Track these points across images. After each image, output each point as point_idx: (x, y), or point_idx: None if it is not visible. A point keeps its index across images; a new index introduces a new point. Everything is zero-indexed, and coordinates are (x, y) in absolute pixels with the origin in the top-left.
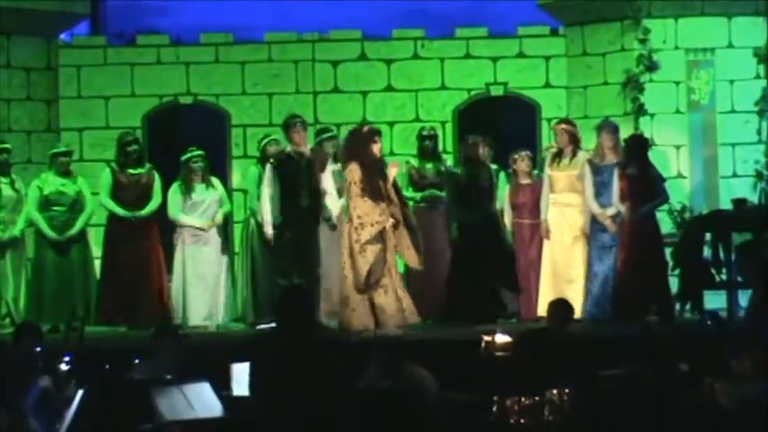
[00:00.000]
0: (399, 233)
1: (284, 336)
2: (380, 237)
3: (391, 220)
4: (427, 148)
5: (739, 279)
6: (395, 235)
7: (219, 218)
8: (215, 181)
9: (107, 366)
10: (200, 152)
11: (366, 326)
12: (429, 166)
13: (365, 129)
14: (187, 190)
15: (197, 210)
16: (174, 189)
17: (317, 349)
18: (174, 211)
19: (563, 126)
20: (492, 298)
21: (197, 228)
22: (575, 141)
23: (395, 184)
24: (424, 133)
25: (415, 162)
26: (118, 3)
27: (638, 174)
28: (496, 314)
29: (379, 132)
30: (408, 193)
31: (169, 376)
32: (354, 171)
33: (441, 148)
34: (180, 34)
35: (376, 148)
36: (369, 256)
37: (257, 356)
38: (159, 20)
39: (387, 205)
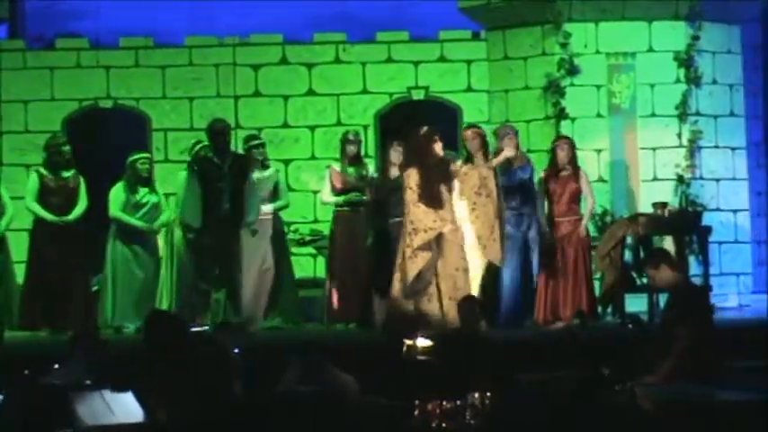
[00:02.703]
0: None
1: (156, 361)
2: (434, 243)
3: (449, 226)
4: (351, 152)
5: None
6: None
7: (158, 225)
8: (157, 186)
9: (26, 371)
10: (146, 154)
11: (405, 330)
12: (351, 170)
13: (423, 129)
14: (131, 191)
15: (138, 212)
16: (118, 188)
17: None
18: (116, 210)
19: (475, 130)
20: None
21: (137, 228)
22: (486, 145)
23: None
24: (351, 137)
25: (337, 166)
26: (37, 6)
27: (572, 174)
28: None
29: (437, 132)
30: (330, 197)
31: (89, 381)
32: (412, 176)
33: (362, 151)
34: (100, 38)
35: (438, 148)
36: (419, 262)
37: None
38: (79, 23)
39: (445, 209)
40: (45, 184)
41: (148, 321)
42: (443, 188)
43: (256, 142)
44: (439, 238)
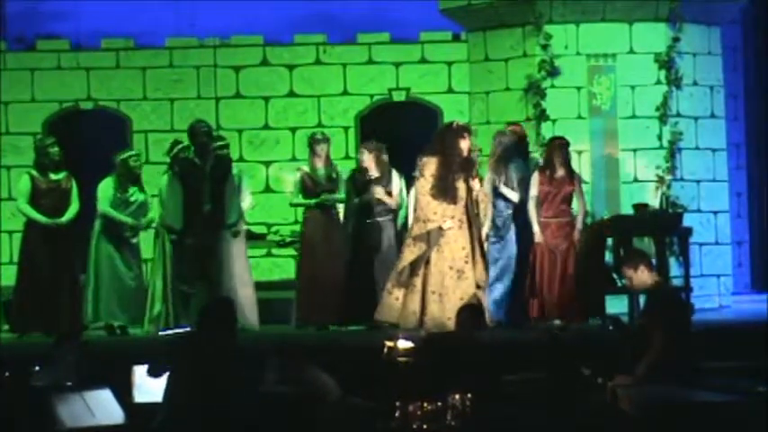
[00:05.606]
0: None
1: (205, 342)
2: (432, 236)
3: (450, 222)
4: (321, 152)
5: None
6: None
7: (146, 222)
8: (144, 186)
9: (7, 374)
10: (137, 152)
11: (388, 319)
12: (321, 172)
13: (455, 124)
14: (121, 188)
15: (127, 209)
16: (107, 184)
17: (234, 357)
18: (105, 205)
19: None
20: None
21: (124, 225)
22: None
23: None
24: (318, 137)
25: (306, 168)
26: (17, 7)
27: (566, 176)
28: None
29: (468, 129)
30: (299, 199)
31: (70, 383)
32: (430, 165)
33: (343, 153)
34: (80, 39)
35: (464, 144)
36: (415, 251)
37: (177, 359)
38: (59, 25)
39: (456, 206)
40: (36, 186)
41: (213, 307)
42: (461, 185)
43: (220, 143)
44: (438, 232)
